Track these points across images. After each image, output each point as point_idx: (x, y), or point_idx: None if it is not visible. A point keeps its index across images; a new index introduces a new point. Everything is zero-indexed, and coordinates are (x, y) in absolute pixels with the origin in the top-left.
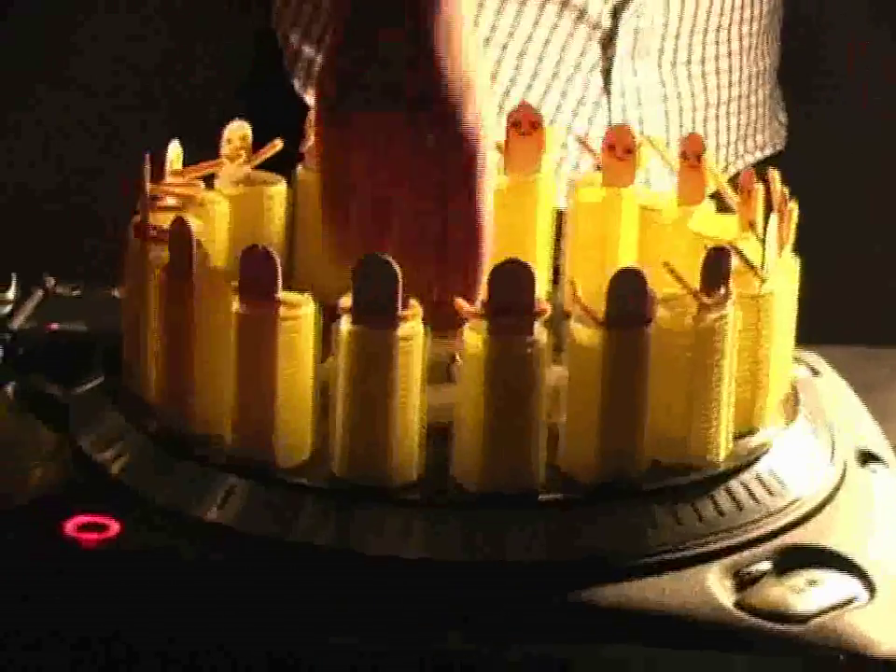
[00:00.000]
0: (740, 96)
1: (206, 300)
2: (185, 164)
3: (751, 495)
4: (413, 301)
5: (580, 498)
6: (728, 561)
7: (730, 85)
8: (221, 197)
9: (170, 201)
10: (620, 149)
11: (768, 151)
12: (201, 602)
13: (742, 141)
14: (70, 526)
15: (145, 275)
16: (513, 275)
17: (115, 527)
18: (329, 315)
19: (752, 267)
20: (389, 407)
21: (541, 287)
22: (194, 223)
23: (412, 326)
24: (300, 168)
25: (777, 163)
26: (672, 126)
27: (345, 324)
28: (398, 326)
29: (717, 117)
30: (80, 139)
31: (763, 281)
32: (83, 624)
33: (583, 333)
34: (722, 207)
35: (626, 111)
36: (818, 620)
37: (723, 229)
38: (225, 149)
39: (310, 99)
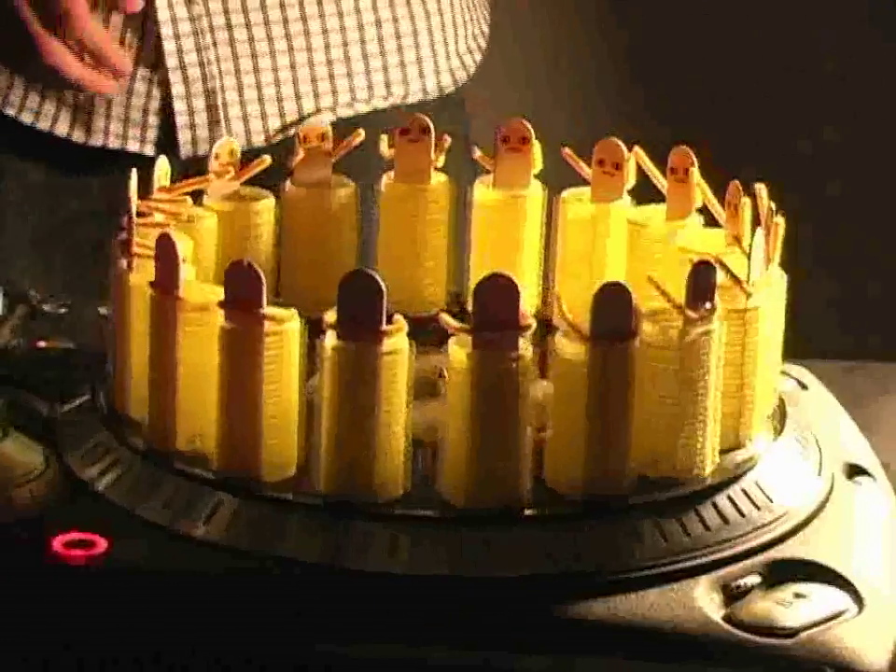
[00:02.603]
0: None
1: (191, 315)
2: None
3: (738, 509)
4: (397, 317)
5: (566, 513)
6: (716, 575)
7: None
8: (209, 213)
9: (157, 217)
10: (609, 164)
11: (477, 57)
12: (189, 618)
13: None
14: (57, 544)
15: (130, 292)
16: (498, 290)
17: (102, 544)
18: (316, 330)
19: (738, 281)
20: (374, 422)
21: (530, 303)
22: (179, 239)
23: (396, 341)
24: (287, 183)
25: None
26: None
27: (330, 339)
28: (382, 341)
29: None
30: None
31: (748, 295)
32: (71, 642)
33: (569, 348)
34: (711, 222)
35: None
36: (806, 633)
37: (711, 243)
38: (213, 165)
39: None
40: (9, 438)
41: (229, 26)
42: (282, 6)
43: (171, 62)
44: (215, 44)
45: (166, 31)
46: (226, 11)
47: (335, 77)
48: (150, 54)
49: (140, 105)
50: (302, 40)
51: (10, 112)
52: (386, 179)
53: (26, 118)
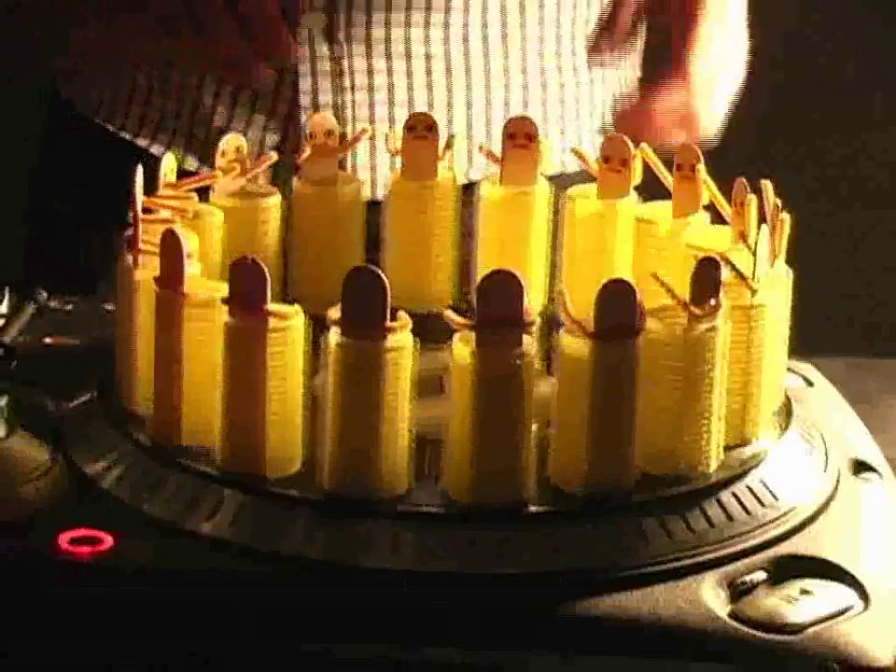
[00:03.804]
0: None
1: (195, 311)
2: None
3: (743, 506)
4: (401, 313)
5: (570, 510)
6: (722, 571)
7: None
8: (216, 209)
9: (163, 213)
10: (615, 161)
11: None
12: (193, 614)
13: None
14: (63, 540)
15: (135, 288)
16: (502, 286)
17: (108, 541)
18: (322, 327)
19: (743, 278)
20: (378, 418)
21: (537, 300)
22: (184, 235)
23: (400, 337)
24: (295, 180)
25: (771, 176)
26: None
27: (334, 336)
28: (386, 337)
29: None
30: None
31: (754, 292)
32: (77, 638)
33: (573, 344)
34: (717, 219)
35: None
36: (812, 630)
37: (718, 240)
38: (220, 162)
39: None
40: (16, 435)
41: (370, 72)
42: (427, 56)
43: (304, 100)
44: (353, 88)
45: (304, 68)
46: (368, 56)
47: (473, 137)
48: (288, 88)
49: (273, 145)
50: (445, 95)
51: (142, 143)
52: (393, 176)
53: (156, 151)
